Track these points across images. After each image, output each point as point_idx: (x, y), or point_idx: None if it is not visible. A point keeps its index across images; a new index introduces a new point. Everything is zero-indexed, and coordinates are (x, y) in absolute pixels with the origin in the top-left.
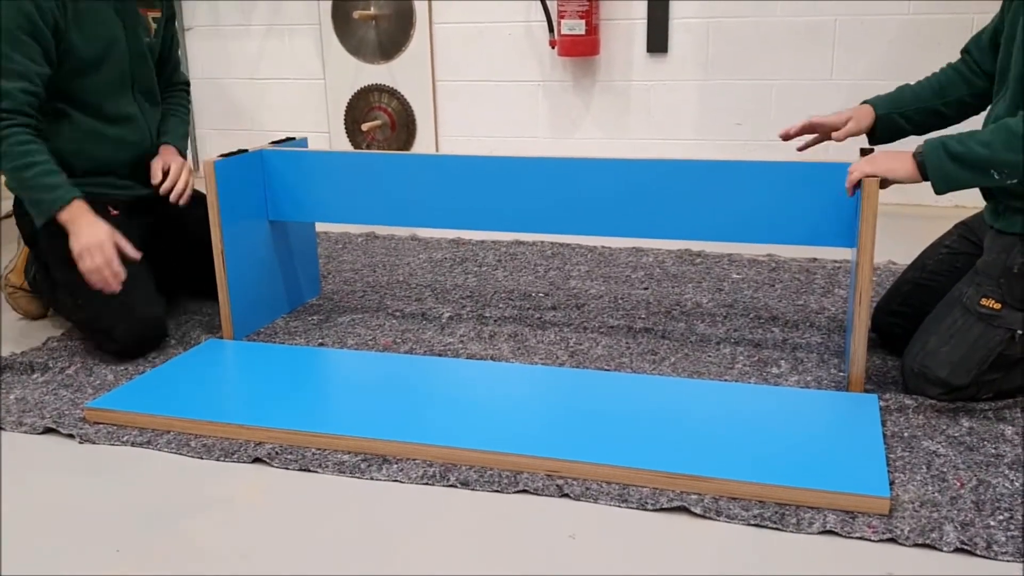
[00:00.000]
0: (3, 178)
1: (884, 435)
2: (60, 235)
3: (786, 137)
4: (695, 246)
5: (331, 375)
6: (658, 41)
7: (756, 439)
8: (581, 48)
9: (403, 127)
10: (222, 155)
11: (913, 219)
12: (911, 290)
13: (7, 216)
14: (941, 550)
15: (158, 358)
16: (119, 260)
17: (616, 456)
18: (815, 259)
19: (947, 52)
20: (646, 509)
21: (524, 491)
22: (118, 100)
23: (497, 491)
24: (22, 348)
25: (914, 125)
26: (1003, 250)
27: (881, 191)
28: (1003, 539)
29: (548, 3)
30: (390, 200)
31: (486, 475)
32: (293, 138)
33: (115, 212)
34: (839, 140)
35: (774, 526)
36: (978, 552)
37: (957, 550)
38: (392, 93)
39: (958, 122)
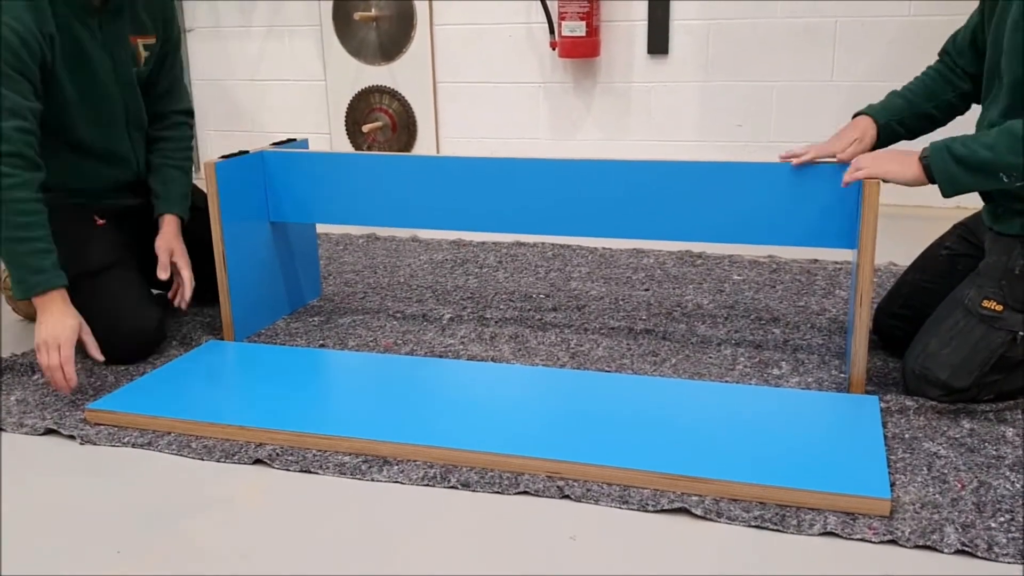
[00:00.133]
0: None
1: (885, 436)
2: (57, 243)
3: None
4: (696, 247)
5: (332, 376)
6: (659, 42)
7: (757, 440)
8: (582, 49)
9: (404, 128)
10: (223, 156)
11: (913, 220)
12: (911, 292)
13: None
14: (942, 552)
15: (159, 359)
16: (73, 367)
17: (617, 457)
18: (816, 260)
19: None
20: (647, 510)
21: (525, 492)
22: (109, 137)
23: (498, 492)
24: (22, 349)
25: (908, 130)
26: (1004, 252)
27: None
28: (1004, 541)
29: (549, 5)
30: (391, 201)
31: (487, 476)
32: (294, 139)
33: (101, 222)
34: (846, 160)
35: (775, 527)
36: (979, 554)
37: (958, 552)
38: (393, 94)
39: (945, 124)
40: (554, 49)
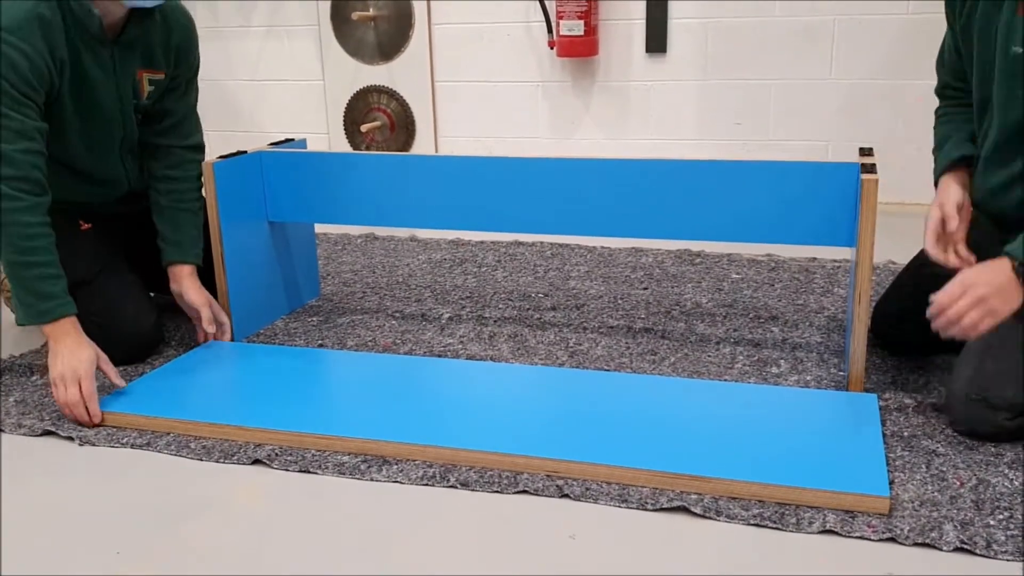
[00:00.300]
0: None
1: (884, 434)
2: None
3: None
4: (694, 246)
5: (331, 376)
6: (657, 41)
7: (756, 439)
8: (580, 49)
9: (402, 128)
10: (221, 156)
11: (913, 218)
12: (911, 292)
13: None
14: (941, 549)
15: (158, 360)
16: (97, 403)
17: (616, 456)
18: (814, 259)
19: None
20: (646, 509)
21: (524, 491)
22: (103, 161)
23: (497, 492)
24: (21, 350)
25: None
26: None
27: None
28: (1003, 538)
29: (547, 4)
30: (389, 201)
31: (486, 476)
32: (292, 139)
33: (87, 226)
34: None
35: (774, 526)
36: (978, 551)
37: (957, 549)
38: (391, 94)
39: None
40: (552, 48)
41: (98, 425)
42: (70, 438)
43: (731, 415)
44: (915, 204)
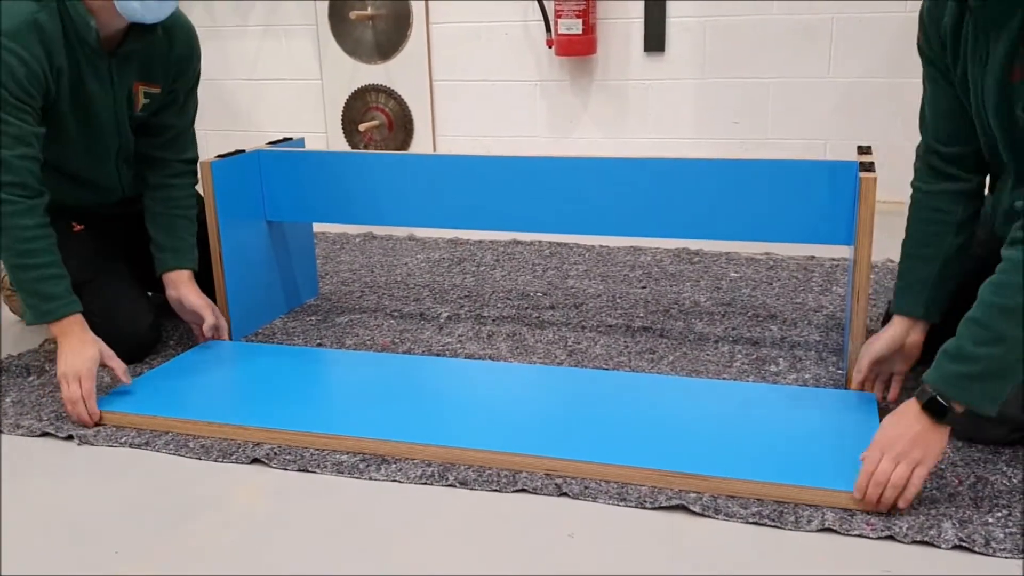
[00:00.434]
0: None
1: None
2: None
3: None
4: (693, 245)
5: (329, 375)
6: (655, 40)
7: (754, 437)
8: (578, 47)
9: (400, 127)
10: (219, 156)
11: None
12: None
13: None
14: (939, 547)
15: (156, 360)
16: (95, 401)
17: (615, 455)
18: (813, 257)
19: None
20: (645, 508)
21: (523, 490)
22: (98, 169)
23: (496, 490)
24: (19, 351)
25: (949, 285)
26: None
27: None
28: (1001, 536)
29: (545, 3)
30: (388, 200)
31: (485, 475)
32: (290, 138)
33: (79, 228)
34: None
35: (773, 524)
36: (976, 549)
37: (955, 547)
38: (389, 93)
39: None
40: (551, 47)
41: (97, 424)
42: (69, 438)
43: (730, 413)
44: None
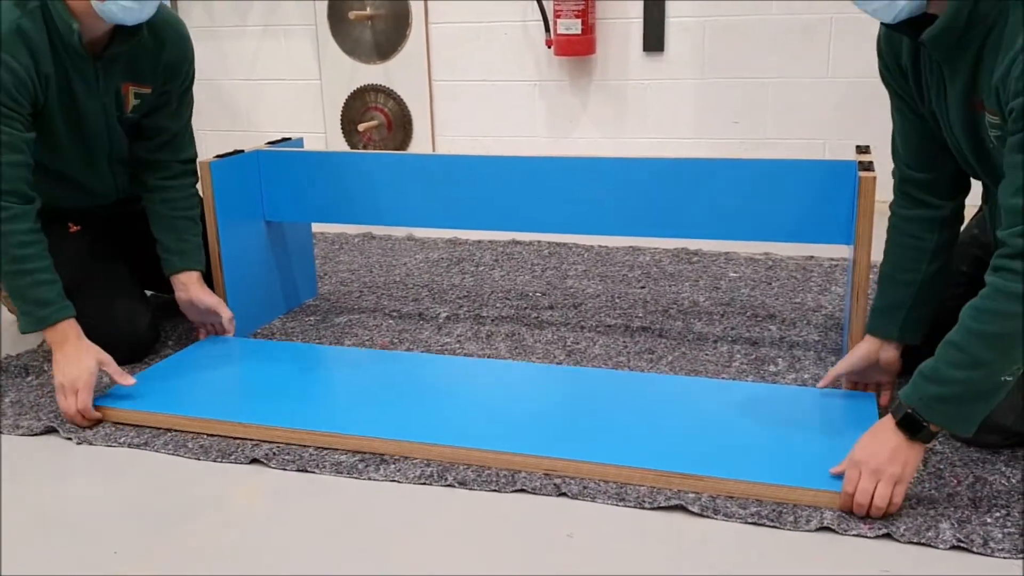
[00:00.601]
0: None
1: None
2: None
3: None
4: (692, 245)
5: (330, 373)
6: (654, 40)
7: (753, 438)
8: (577, 47)
9: (399, 127)
10: (218, 156)
11: None
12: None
13: None
14: (937, 547)
15: (155, 360)
16: (91, 411)
17: (614, 455)
18: (812, 257)
19: None
20: (643, 508)
21: (522, 490)
22: (91, 172)
23: (495, 491)
24: (17, 351)
25: (926, 308)
26: None
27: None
28: (999, 536)
29: (544, 3)
30: (387, 200)
31: (484, 475)
32: (289, 139)
33: (75, 228)
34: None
35: (771, 524)
36: (974, 549)
37: (953, 547)
38: (388, 93)
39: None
40: (550, 47)
41: (98, 422)
42: (68, 438)
43: (729, 414)
44: None
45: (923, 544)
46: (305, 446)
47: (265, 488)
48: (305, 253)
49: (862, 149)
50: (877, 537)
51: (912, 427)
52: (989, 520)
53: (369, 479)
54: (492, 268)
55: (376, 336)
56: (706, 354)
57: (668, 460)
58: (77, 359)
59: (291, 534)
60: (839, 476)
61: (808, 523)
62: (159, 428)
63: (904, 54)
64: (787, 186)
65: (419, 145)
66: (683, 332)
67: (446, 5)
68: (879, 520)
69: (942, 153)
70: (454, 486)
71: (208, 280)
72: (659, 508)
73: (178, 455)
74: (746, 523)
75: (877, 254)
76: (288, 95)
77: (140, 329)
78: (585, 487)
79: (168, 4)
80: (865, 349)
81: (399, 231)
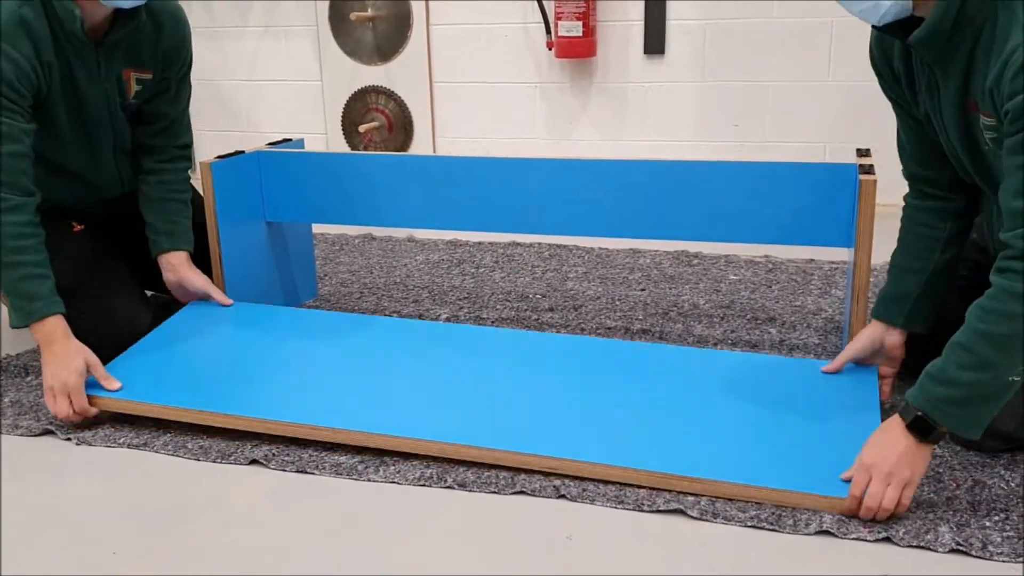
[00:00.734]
0: None
1: None
2: (48, 244)
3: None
4: (692, 247)
5: (327, 351)
6: (655, 43)
7: (754, 440)
8: (578, 50)
9: (400, 129)
10: (219, 157)
11: None
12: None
13: None
14: (936, 551)
15: None
16: (87, 410)
17: (613, 456)
18: (812, 260)
19: None
20: (643, 511)
21: (521, 492)
22: (96, 162)
23: (495, 492)
24: (17, 351)
25: (934, 299)
26: None
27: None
28: (999, 540)
29: (545, 5)
30: (387, 201)
31: (483, 476)
32: (290, 139)
33: (79, 227)
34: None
35: (771, 527)
36: (973, 553)
37: (953, 551)
38: (389, 95)
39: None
40: (550, 49)
41: (95, 417)
42: (67, 439)
43: (730, 415)
44: None
45: (922, 547)
46: (306, 437)
47: (264, 489)
48: (306, 254)
49: (863, 152)
50: (876, 540)
51: (923, 430)
52: (988, 524)
53: (369, 480)
54: (492, 270)
55: None
56: None
57: (668, 462)
58: (66, 360)
59: (291, 535)
60: (844, 480)
61: (807, 526)
62: (158, 429)
63: (896, 58)
64: (787, 189)
65: (420, 146)
66: (683, 334)
67: (447, 6)
68: (878, 523)
69: (944, 155)
70: (454, 488)
71: (209, 280)
72: (658, 511)
73: (177, 456)
74: (745, 526)
75: (878, 257)
76: (289, 96)
77: (140, 329)
78: (584, 489)
79: None
80: (871, 333)
81: (400, 232)
